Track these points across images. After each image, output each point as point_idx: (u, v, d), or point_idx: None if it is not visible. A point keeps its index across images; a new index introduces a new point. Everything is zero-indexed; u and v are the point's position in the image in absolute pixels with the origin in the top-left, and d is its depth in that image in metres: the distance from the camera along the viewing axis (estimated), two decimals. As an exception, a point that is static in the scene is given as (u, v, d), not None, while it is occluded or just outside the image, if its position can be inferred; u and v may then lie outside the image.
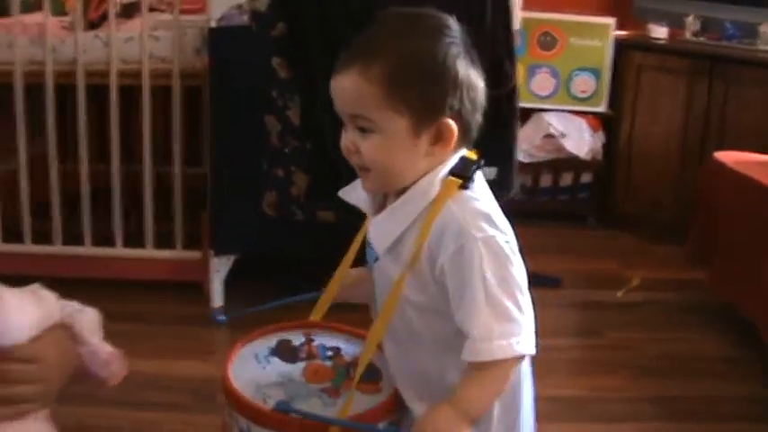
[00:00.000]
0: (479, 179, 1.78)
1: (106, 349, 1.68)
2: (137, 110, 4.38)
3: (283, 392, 1.79)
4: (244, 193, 3.93)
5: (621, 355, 3.86)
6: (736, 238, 4.03)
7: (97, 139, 4.70)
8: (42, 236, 4.26)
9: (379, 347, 1.84)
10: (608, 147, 5.43)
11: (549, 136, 5.31)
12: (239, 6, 3.82)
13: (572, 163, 5.36)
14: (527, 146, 5.23)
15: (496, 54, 3.71)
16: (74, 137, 4.52)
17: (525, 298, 1.70)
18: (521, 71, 3.91)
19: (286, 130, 3.85)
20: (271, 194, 3.91)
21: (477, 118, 1.79)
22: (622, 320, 4.19)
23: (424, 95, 1.69)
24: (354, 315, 2.04)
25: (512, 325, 1.66)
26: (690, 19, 5.24)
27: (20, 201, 4.23)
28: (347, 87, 1.70)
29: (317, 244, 3.09)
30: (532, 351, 1.70)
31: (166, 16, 4.35)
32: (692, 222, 4.41)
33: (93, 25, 4.31)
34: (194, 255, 4.16)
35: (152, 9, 4.44)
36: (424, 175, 1.74)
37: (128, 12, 4.47)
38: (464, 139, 1.77)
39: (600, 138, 5.40)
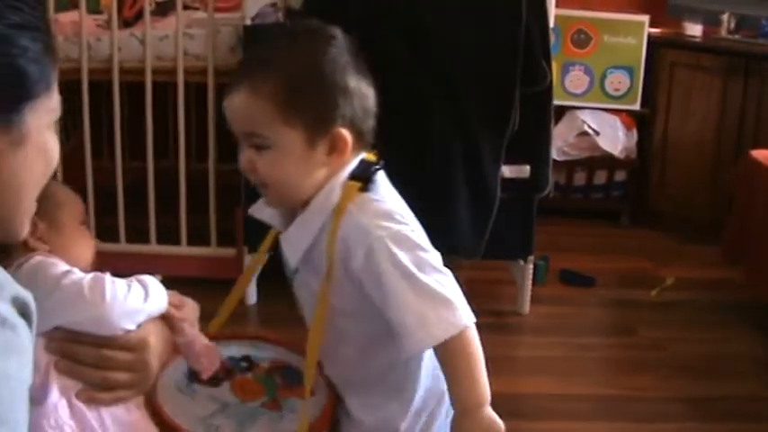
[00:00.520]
0: (381, 179, 1.81)
1: (201, 342, 1.71)
2: (172, 107, 4.40)
3: (229, 419, 1.76)
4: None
5: (655, 355, 3.85)
6: (771, 238, 4.01)
7: (132, 136, 4.73)
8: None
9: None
10: (642, 145, 5.41)
11: (583, 134, 5.30)
12: (273, 4, 3.83)
13: (606, 161, 5.34)
14: (561, 144, 5.22)
15: (532, 52, 3.71)
16: (109, 134, 4.55)
17: (446, 276, 1.72)
18: (555, 69, 3.89)
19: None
20: (304, 191, 3.92)
21: (370, 123, 1.81)
22: (656, 320, 4.17)
23: (315, 108, 1.71)
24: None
25: (443, 304, 1.66)
26: (725, 16, 5.22)
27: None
28: (239, 106, 1.71)
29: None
30: (473, 318, 1.69)
31: (201, 14, 4.36)
32: (727, 221, 4.39)
33: (127, 23, 4.34)
34: (228, 252, 4.18)
35: (186, 7, 4.46)
36: (325, 183, 1.76)
37: (162, 10, 4.49)
38: (360, 145, 1.79)
39: (634, 136, 5.37)
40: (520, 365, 3.77)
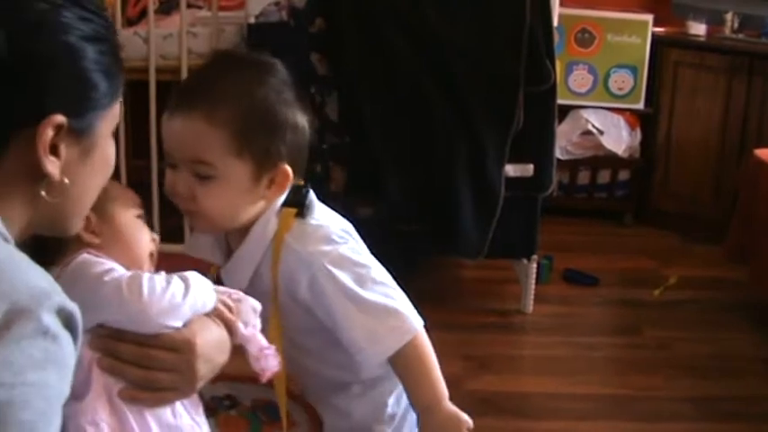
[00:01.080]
0: (312, 199, 1.79)
1: (259, 343, 1.65)
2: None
3: None
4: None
5: (660, 354, 3.84)
6: (775, 237, 4.00)
7: (135, 135, 4.74)
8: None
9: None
10: (645, 144, 5.40)
11: (587, 133, 5.29)
12: (277, 2, 3.83)
13: (610, 160, 5.34)
14: (565, 143, 5.22)
15: (536, 52, 3.71)
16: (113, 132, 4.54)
17: (389, 286, 1.73)
18: (558, 68, 3.89)
19: (324, 125, 3.86)
20: (308, 190, 3.91)
21: (305, 154, 1.78)
22: (660, 319, 4.17)
23: (267, 143, 1.69)
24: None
25: (391, 315, 1.69)
26: (729, 16, 5.21)
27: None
28: (189, 132, 1.66)
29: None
30: (421, 322, 1.71)
31: (204, 13, 4.37)
32: (731, 220, 4.38)
33: (131, 22, 4.34)
34: (231, 250, 4.18)
35: (190, 5, 4.46)
36: (259, 215, 1.75)
37: (166, 8, 4.50)
38: (296, 178, 1.76)
39: (637, 135, 5.37)
40: (523, 365, 3.77)
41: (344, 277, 1.69)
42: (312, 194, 1.79)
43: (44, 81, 1.21)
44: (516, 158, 3.83)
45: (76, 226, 1.40)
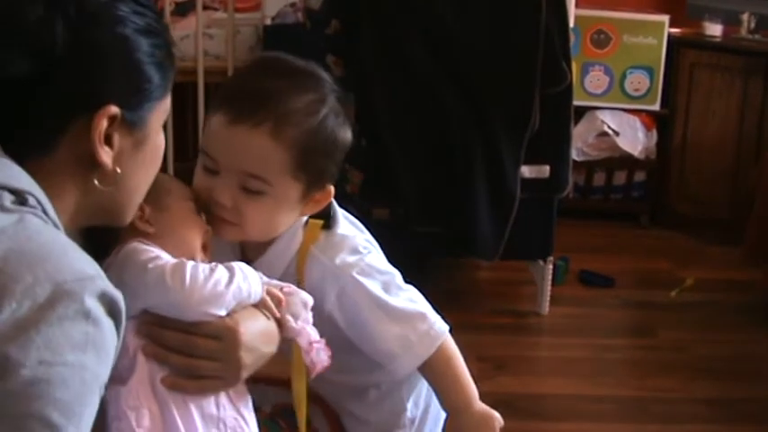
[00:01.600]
0: (335, 209, 1.78)
1: (309, 336, 1.64)
2: (192, 107, 4.42)
3: None
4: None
5: (675, 356, 3.83)
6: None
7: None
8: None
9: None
10: (661, 145, 5.39)
11: (603, 134, 5.28)
12: (293, 4, 3.84)
13: (625, 162, 5.33)
14: (580, 144, 5.21)
15: (551, 53, 3.70)
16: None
17: (411, 291, 1.75)
18: (574, 69, 3.89)
19: (340, 127, 3.86)
20: (324, 192, 3.92)
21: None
22: (676, 321, 4.16)
23: (322, 167, 1.68)
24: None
25: (419, 322, 1.70)
26: (745, 16, 5.20)
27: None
28: (252, 146, 1.61)
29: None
30: (446, 326, 1.73)
31: (221, 14, 4.38)
32: (748, 222, 4.37)
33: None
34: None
35: (206, 7, 4.47)
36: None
37: (182, 10, 4.51)
38: None
39: (653, 136, 5.36)
40: (539, 366, 3.76)
41: (374, 286, 1.69)
42: (336, 205, 1.78)
43: (100, 72, 1.25)
44: (532, 160, 3.83)
45: (128, 216, 1.44)
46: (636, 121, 5.32)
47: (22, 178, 1.21)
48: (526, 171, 3.84)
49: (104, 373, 1.16)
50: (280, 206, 1.66)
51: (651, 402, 3.46)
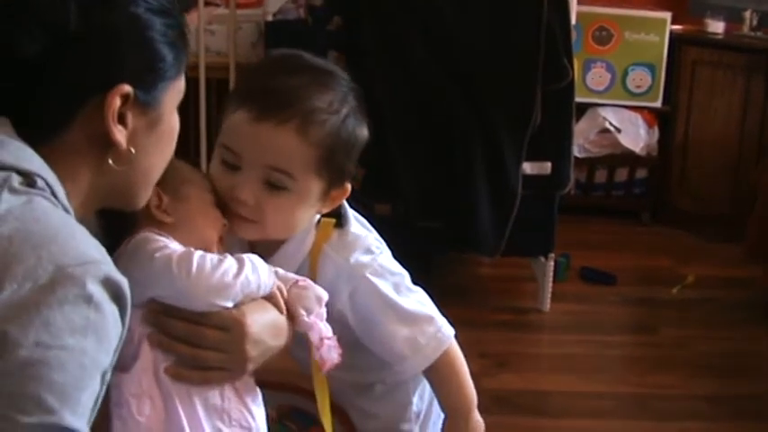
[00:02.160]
0: (346, 208, 1.79)
1: (321, 332, 1.63)
2: (193, 103, 4.41)
3: None
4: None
5: (676, 353, 3.83)
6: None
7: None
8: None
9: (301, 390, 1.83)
10: (663, 142, 5.39)
11: (605, 131, 5.28)
12: (295, 0, 3.84)
13: (627, 158, 5.33)
14: (582, 141, 5.21)
15: (553, 50, 3.70)
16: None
17: (419, 293, 1.76)
18: (576, 66, 3.89)
19: (341, 123, 3.86)
20: (326, 188, 3.92)
21: None
22: (677, 318, 4.16)
23: (343, 163, 1.68)
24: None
25: (427, 324, 1.71)
26: (747, 13, 5.19)
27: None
28: (280, 142, 1.61)
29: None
30: (452, 330, 1.74)
31: (222, 10, 4.38)
32: (749, 219, 4.37)
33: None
34: (249, 248, 4.18)
35: (208, 3, 4.48)
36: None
37: (184, 6, 4.50)
38: None
39: (655, 133, 5.36)
40: (540, 363, 3.76)
41: (385, 287, 1.69)
42: (346, 205, 1.78)
43: (113, 51, 1.26)
44: (534, 156, 3.83)
45: (142, 198, 1.43)
46: (637, 118, 5.32)
47: (33, 161, 1.21)
48: (528, 168, 3.84)
49: (105, 359, 1.15)
50: (301, 203, 1.66)
51: (652, 399, 3.47)
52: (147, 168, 1.38)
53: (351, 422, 1.87)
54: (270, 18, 3.84)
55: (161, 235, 1.54)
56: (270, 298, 1.57)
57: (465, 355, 1.74)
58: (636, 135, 5.29)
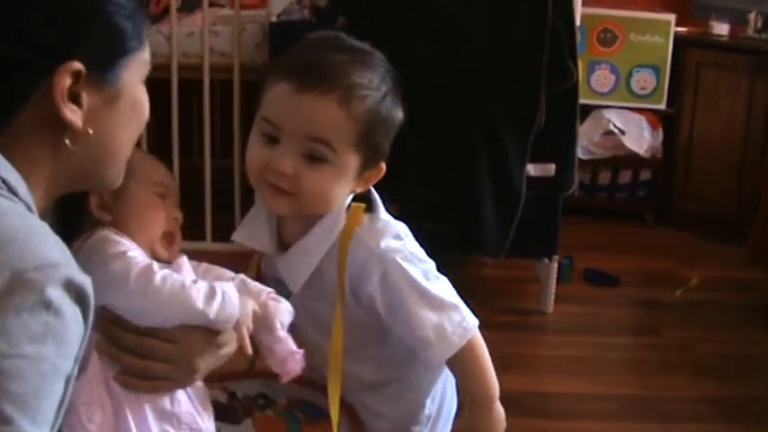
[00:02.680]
0: (374, 194, 1.82)
1: (286, 347, 1.63)
2: (197, 104, 4.42)
3: None
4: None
5: (680, 355, 3.83)
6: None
7: (157, 134, 4.75)
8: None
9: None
10: (667, 144, 5.38)
11: (609, 133, 5.28)
12: (299, 1, 3.83)
13: (631, 160, 5.32)
14: (586, 143, 5.20)
15: (558, 51, 3.70)
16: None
17: (446, 281, 1.78)
18: (580, 68, 3.88)
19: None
20: (329, 189, 3.91)
21: None
22: (681, 320, 4.16)
23: (379, 142, 1.71)
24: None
25: (454, 312, 1.73)
26: (752, 15, 5.18)
27: (81, 194, 4.27)
28: (322, 112, 1.63)
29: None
30: (476, 320, 1.76)
31: (227, 11, 4.38)
32: (753, 222, 4.36)
33: (153, 20, 4.35)
34: (252, 248, 4.18)
35: (212, 4, 4.47)
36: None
37: (188, 6, 4.51)
38: None
39: (659, 135, 5.35)
40: (544, 364, 3.76)
41: (415, 272, 1.71)
42: (374, 191, 1.81)
43: (63, 26, 1.20)
44: (538, 158, 3.82)
45: (114, 176, 1.37)
46: (642, 120, 5.32)
47: None
48: (532, 169, 3.83)
49: (67, 364, 1.11)
50: (339, 177, 1.67)
51: (655, 401, 3.46)
52: (112, 145, 1.31)
53: (359, 420, 1.87)
54: (274, 19, 3.84)
55: (120, 235, 1.51)
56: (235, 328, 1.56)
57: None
58: (640, 137, 5.29)
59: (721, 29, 5.25)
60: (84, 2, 1.22)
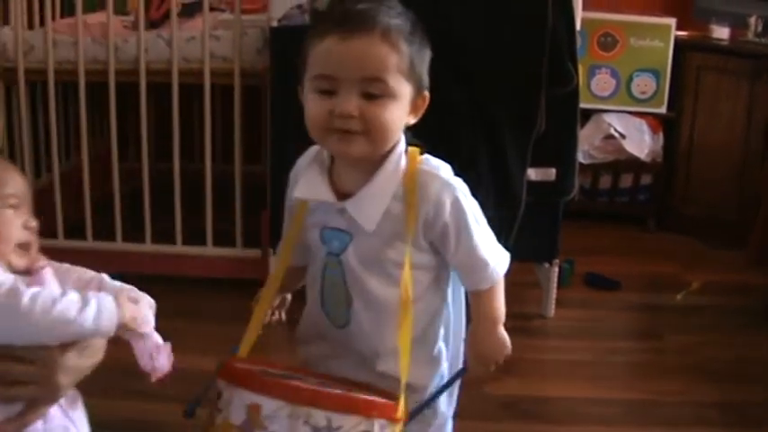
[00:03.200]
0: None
1: (154, 342, 1.60)
2: (198, 108, 4.42)
3: None
4: (303, 192, 3.94)
5: (681, 359, 3.82)
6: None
7: (158, 138, 4.76)
8: (104, 233, 4.31)
9: None
10: (668, 148, 5.38)
11: (609, 137, 5.28)
12: (300, 6, 3.83)
13: (632, 164, 5.33)
14: (587, 147, 5.21)
15: (558, 55, 3.69)
16: (135, 135, 4.57)
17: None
18: (581, 72, 3.88)
19: (346, 129, 3.85)
20: (330, 193, 3.91)
21: None
22: (682, 324, 4.15)
23: (420, 69, 1.85)
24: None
25: (498, 247, 1.99)
26: (752, 19, 5.19)
27: (82, 197, 4.28)
28: (369, 51, 1.76)
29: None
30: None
31: (227, 16, 4.38)
32: (754, 226, 4.36)
33: (153, 25, 4.36)
34: (254, 253, 4.19)
35: (213, 9, 4.47)
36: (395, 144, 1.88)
37: (189, 11, 4.51)
38: None
39: (660, 139, 5.35)
40: (545, 369, 3.75)
41: (471, 205, 1.93)
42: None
43: None
44: (538, 162, 3.82)
45: None
46: (642, 124, 5.32)
47: None
48: (532, 174, 3.83)
49: None
50: (398, 108, 1.81)
51: (656, 406, 3.46)
52: None
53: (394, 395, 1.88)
54: (275, 24, 3.83)
55: None
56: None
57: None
58: (641, 141, 5.29)
59: (721, 33, 5.26)
60: None
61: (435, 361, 2.05)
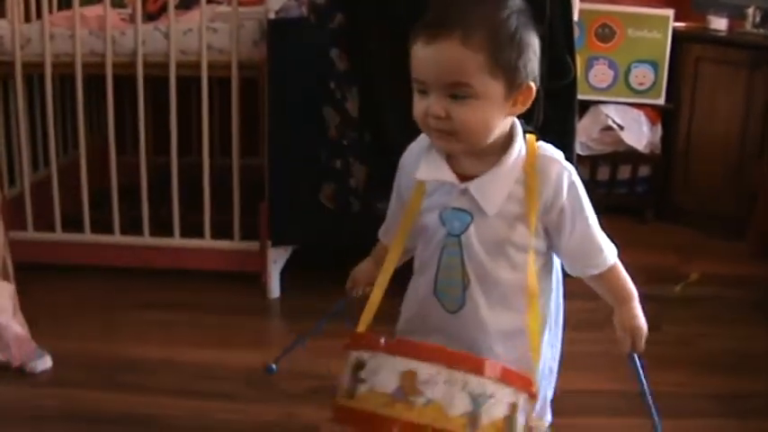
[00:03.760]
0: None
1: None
2: (195, 101, 4.41)
3: None
4: (301, 185, 3.94)
5: (680, 351, 3.82)
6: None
7: (156, 131, 4.75)
8: (101, 225, 4.31)
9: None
10: (666, 140, 5.38)
11: (608, 128, 5.28)
12: (297, -2, 3.82)
13: (630, 156, 5.32)
14: (585, 138, 5.20)
15: (556, 47, 3.69)
16: (133, 128, 4.56)
17: None
18: (579, 63, 3.87)
19: (344, 121, 3.85)
20: (329, 186, 3.91)
21: (538, 75, 1.97)
22: (681, 315, 4.15)
23: (513, 61, 1.86)
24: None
25: (605, 234, 2.10)
26: (750, 10, 5.18)
27: (80, 191, 4.27)
28: (449, 56, 1.81)
29: (374, 235, 3.12)
30: None
31: (224, 8, 4.37)
32: (753, 217, 4.36)
33: (151, 17, 4.35)
34: (252, 245, 4.18)
35: (210, 1, 4.46)
36: (502, 133, 1.95)
37: (186, 3, 4.50)
38: None
39: (658, 131, 5.35)
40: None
41: (583, 191, 2.02)
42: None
43: None
44: (537, 154, 3.81)
45: None
46: (640, 116, 5.32)
47: None
48: (531, 165, 3.82)
49: None
50: (487, 106, 1.86)
51: (657, 397, 3.43)
52: None
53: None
54: (272, 16, 3.83)
55: None
56: None
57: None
58: (639, 132, 5.29)
59: (719, 24, 5.25)
60: None
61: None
